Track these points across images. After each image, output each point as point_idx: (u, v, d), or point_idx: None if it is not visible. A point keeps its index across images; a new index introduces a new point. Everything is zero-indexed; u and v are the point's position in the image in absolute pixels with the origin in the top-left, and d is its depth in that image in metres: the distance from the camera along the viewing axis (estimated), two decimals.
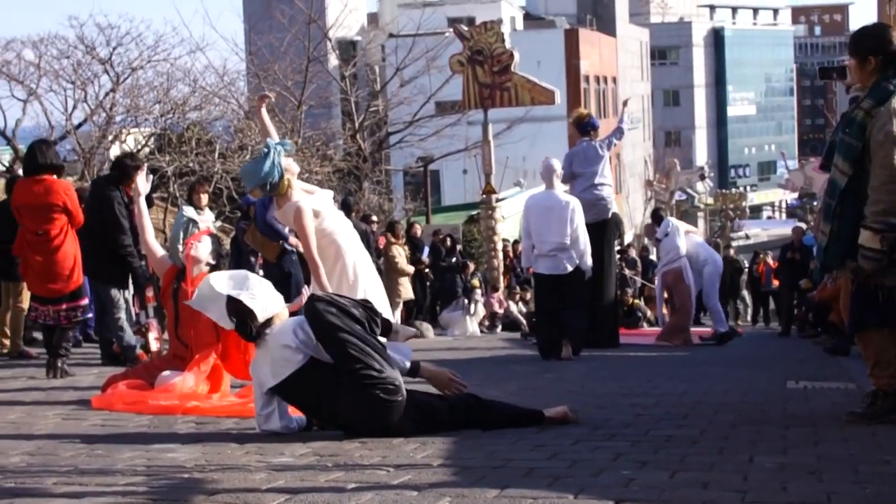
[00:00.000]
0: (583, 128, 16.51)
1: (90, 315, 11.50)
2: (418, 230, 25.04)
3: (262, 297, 7.19)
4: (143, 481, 5.74)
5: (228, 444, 6.90)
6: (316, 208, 9.29)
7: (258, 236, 13.84)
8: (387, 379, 6.92)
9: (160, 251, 10.07)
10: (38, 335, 14.52)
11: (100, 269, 12.28)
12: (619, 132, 17.13)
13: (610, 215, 16.32)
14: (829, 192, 7.36)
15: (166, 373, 9.19)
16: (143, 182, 10.15)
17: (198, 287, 7.53)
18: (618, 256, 18.68)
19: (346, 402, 6.95)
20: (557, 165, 14.29)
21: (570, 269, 13.84)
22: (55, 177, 11.05)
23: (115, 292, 12.46)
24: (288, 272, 13.80)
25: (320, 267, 9.15)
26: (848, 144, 7.18)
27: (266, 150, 9.29)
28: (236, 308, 7.13)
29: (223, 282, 7.26)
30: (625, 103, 18.47)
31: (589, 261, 14.04)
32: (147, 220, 10.10)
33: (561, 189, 14.36)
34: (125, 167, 12.56)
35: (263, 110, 10.06)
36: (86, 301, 11.22)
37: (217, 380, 9.30)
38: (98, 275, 12.32)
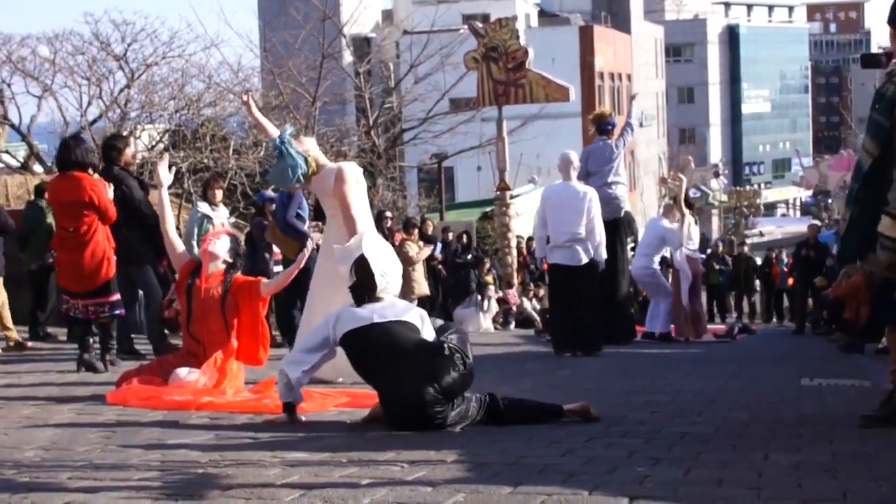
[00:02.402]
0: (603, 127, 16.58)
1: (119, 311, 11.45)
2: (430, 226, 25.04)
3: (390, 278, 7.53)
4: (157, 476, 5.74)
5: (243, 440, 6.91)
6: (358, 174, 9.76)
7: (279, 233, 13.84)
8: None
9: (180, 246, 10.04)
10: (52, 329, 14.59)
11: (132, 252, 12.22)
12: (629, 128, 17.15)
13: (622, 214, 16.36)
14: (853, 175, 6.85)
15: (181, 371, 9.18)
16: (165, 173, 10.13)
17: (354, 238, 7.89)
18: (631, 254, 18.59)
19: (421, 374, 7.07)
20: (574, 157, 14.37)
21: (585, 260, 13.88)
22: (90, 173, 11.13)
23: (153, 281, 12.47)
24: (307, 269, 13.77)
25: (359, 224, 9.47)
26: (876, 123, 6.64)
27: (277, 151, 9.45)
28: (364, 271, 7.45)
29: (372, 244, 7.62)
30: (632, 98, 18.49)
31: (603, 252, 14.10)
32: (169, 212, 10.10)
33: (577, 181, 14.38)
34: (110, 146, 12.83)
35: (254, 108, 10.19)
36: (115, 297, 11.22)
37: (221, 375, 9.30)
38: (132, 258, 12.29)
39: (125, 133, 27.98)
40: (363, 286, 7.46)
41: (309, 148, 9.80)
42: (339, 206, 9.75)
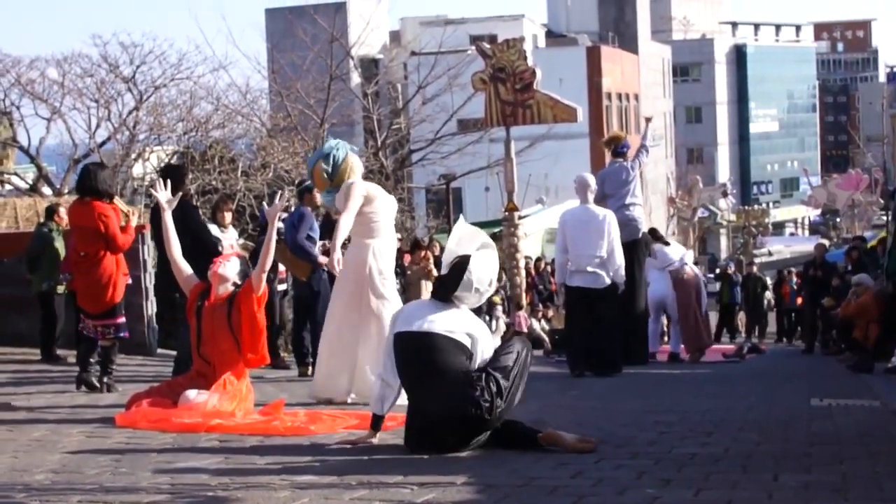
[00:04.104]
0: (618, 149, 16.58)
1: (123, 334, 11.56)
2: (437, 247, 25.04)
3: (476, 287, 7.44)
4: (167, 499, 5.75)
5: (252, 463, 6.91)
6: (372, 193, 10.15)
7: (288, 254, 13.82)
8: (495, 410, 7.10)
9: (188, 269, 10.05)
10: (62, 352, 14.59)
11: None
12: (644, 150, 17.15)
13: (640, 235, 16.35)
14: None
15: (191, 392, 9.18)
16: (164, 196, 10.16)
17: (470, 228, 7.78)
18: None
19: (446, 396, 7.05)
20: (591, 180, 14.33)
21: (607, 282, 13.87)
22: (108, 201, 11.30)
23: None
24: (317, 291, 13.76)
25: (343, 235, 9.94)
26: None
27: (335, 147, 10.32)
28: (459, 271, 7.41)
29: (487, 255, 7.55)
30: (648, 120, 18.47)
31: (622, 274, 14.08)
32: (174, 236, 10.10)
33: (594, 203, 14.35)
34: (175, 173, 12.86)
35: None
36: (121, 320, 11.40)
37: (231, 397, 9.29)
38: None
39: (134, 155, 28.13)
40: (448, 282, 7.44)
41: (353, 167, 10.38)
42: (339, 208, 10.09)
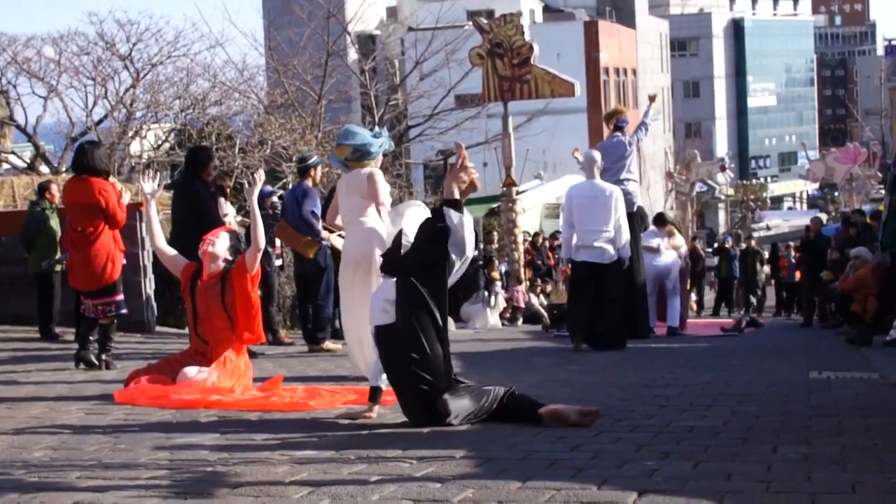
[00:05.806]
0: (618, 124, 16.61)
1: (123, 311, 11.58)
2: None
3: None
4: (166, 475, 5.75)
5: (251, 438, 6.92)
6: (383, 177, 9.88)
7: (290, 232, 13.69)
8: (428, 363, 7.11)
9: (170, 251, 10.04)
10: (60, 329, 14.60)
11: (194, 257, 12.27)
12: (643, 127, 17.16)
13: (635, 209, 16.37)
14: (893, 163, 6.71)
15: (190, 369, 9.19)
16: (148, 186, 10.13)
17: (409, 206, 7.78)
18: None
19: (400, 369, 7.11)
20: (598, 156, 14.36)
21: (613, 256, 13.91)
22: (105, 178, 11.34)
23: None
24: (324, 267, 13.75)
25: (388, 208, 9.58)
26: None
27: (379, 133, 9.68)
28: (396, 241, 7.49)
29: (411, 223, 7.51)
30: (652, 98, 18.45)
31: (629, 248, 14.13)
32: (156, 224, 10.10)
33: (601, 179, 14.37)
34: (195, 158, 12.81)
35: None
36: (119, 297, 11.42)
37: (230, 374, 9.30)
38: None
39: (131, 133, 28.10)
40: (389, 255, 7.52)
41: (378, 161, 9.84)
42: (374, 203, 9.83)
